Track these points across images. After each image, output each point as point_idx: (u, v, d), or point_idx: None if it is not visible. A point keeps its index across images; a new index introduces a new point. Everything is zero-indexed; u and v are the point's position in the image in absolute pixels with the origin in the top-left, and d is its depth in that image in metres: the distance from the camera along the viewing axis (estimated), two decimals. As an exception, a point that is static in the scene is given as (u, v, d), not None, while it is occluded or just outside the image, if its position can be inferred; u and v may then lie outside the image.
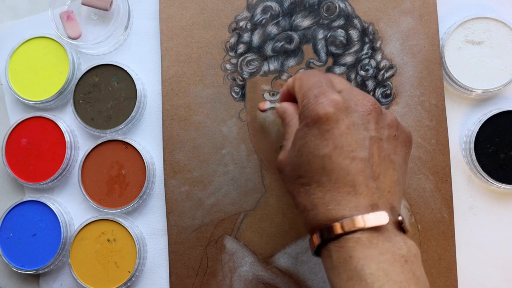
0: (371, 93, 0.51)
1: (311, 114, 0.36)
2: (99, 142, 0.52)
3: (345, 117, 0.35)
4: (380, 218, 0.33)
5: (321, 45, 0.52)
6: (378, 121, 0.36)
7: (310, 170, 0.35)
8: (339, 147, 0.34)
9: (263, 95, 0.52)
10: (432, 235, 0.50)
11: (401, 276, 0.32)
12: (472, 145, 0.50)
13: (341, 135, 0.35)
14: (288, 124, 0.41)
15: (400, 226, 0.35)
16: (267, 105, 0.48)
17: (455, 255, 0.49)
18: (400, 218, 0.35)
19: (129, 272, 0.51)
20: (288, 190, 0.38)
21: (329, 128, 0.35)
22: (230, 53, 0.53)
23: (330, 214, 0.34)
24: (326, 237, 0.34)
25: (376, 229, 0.33)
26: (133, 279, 0.51)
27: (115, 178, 0.52)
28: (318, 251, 0.36)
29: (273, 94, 0.52)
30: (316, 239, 0.35)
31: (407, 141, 0.39)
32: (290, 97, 0.43)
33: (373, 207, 0.34)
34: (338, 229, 0.33)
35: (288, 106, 0.42)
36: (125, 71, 0.53)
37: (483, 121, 0.50)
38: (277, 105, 0.45)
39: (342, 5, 0.52)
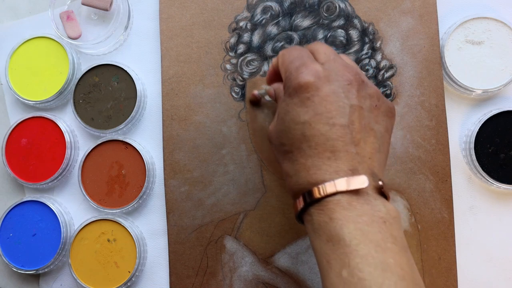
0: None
1: (292, 84, 0.37)
2: (99, 142, 0.52)
3: (325, 85, 0.36)
4: (359, 181, 0.34)
5: (321, 45, 0.52)
6: (360, 91, 0.37)
7: (291, 137, 0.37)
8: (319, 114, 0.36)
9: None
10: (432, 235, 0.50)
11: (378, 236, 0.33)
12: (472, 145, 0.50)
13: (321, 102, 0.36)
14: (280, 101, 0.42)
15: (381, 192, 0.36)
16: (256, 92, 0.50)
17: (455, 255, 0.49)
18: (380, 183, 0.36)
19: (129, 272, 0.51)
20: (276, 158, 0.40)
21: (309, 96, 0.36)
22: (230, 53, 0.53)
23: (311, 178, 0.35)
24: (307, 201, 0.35)
25: (355, 192, 0.34)
26: (133, 279, 0.51)
27: (115, 178, 0.52)
28: (301, 218, 0.37)
29: (273, 94, 0.52)
30: (299, 204, 0.36)
31: (388, 111, 0.39)
32: (277, 76, 0.44)
33: (353, 172, 0.35)
34: (318, 192, 0.35)
35: (278, 85, 0.44)
36: (125, 71, 0.53)
37: (483, 121, 0.50)
38: (266, 87, 0.46)
39: (342, 5, 0.52)
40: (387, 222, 0.34)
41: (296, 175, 0.37)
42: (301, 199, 0.36)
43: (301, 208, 0.36)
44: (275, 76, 0.44)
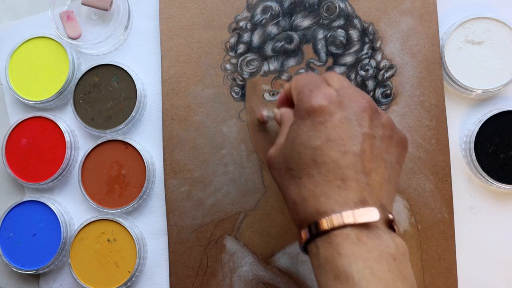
0: (371, 93, 0.51)
1: (305, 107, 0.36)
2: (99, 142, 0.52)
3: (338, 111, 0.36)
4: (370, 214, 0.33)
5: (321, 45, 0.52)
6: (373, 119, 0.36)
7: (300, 162, 0.36)
8: (331, 140, 0.35)
9: (263, 95, 0.52)
10: (432, 235, 0.50)
11: (388, 274, 0.32)
12: (472, 145, 0.50)
13: (333, 128, 0.35)
14: (285, 125, 0.41)
15: (390, 225, 0.35)
16: (265, 115, 0.49)
17: (455, 255, 0.49)
18: (390, 216, 0.35)
19: (129, 272, 0.51)
20: (278, 184, 0.38)
21: (322, 121, 0.35)
22: (230, 53, 0.53)
23: (320, 207, 0.34)
24: (314, 232, 0.34)
25: (365, 225, 0.33)
26: (133, 279, 0.51)
27: (115, 178, 0.52)
28: (306, 248, 0.36)
29: (273, 94, 0.52)
30: (305, 234, 0.35)
31: (401, 142, 0.39)
32: (288, 102, 0.43)
33: (363, 203, 0.33)
34: (327, 223, 0.33)
35: (286, 110, 0.42)
36: (125, 71, 0.53)
37: (483, 121, 0.50)
38: (275, 110, 0.45)
39: (342, 5, 0.52)
40: (396, 259, 0.33)
41: (303, 203, 0.35)
42: (307, 229, 0.35)
43: (307, 239, 0.35)
44: (286, 101, 0.43)
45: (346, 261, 0.32)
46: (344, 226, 0.33)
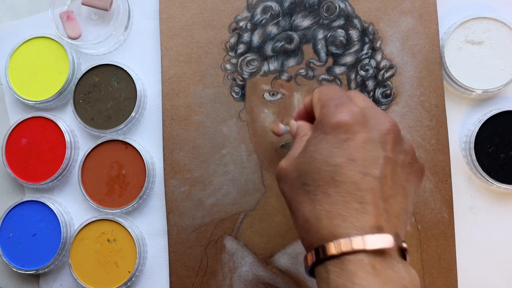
0: (371, 93, 0.51)
1: (330, 122, 0.35)
2: (99, 142, 0.52)
3: (363, 131, 0.34)
4: (385, 241, 0.32)
5: (321, 45, 0.52)
6: (396, 144, 0.35)
7: (318, 178, 0.34)
8: (353, 160, 0.33)
9: (263, 95, 0.52)
10: (432, 235, 0.50)
11: None
12: (472, 145, 0.50)
13: (356, 148, 0.34)
14: (300, 138, 0.39)
15: (402, 254, 0.33)
16: (282, 128, 0.46)
17: (455, 255, 0.49)
18: (404, 245, 0.34)
19: (129, 272, 0.51)
20: (289, 199, 0.37)
21: (346, 138, 0.34)
22: (230, 53, 0.53)
23: (335, 229, 0.32)
24: (325, 256, 0.32)
25: (379, 253, 0.32)
26: (133, 279, 0.51)
27: (115, 178, 0.52)
28: (312, 270, 0.34)
29: (273, 94, 0.52)
30: (313, 256, 0.33)
31: (420, 172, 0.37)
32: (307, 116, 0.42)
33: (378, 229, 0.32)
34: (341, 247, 0.32)
35: (303, 123, 0.41)
36: (125, 71, 0.53)
37: (483, 121, 0.50)
38: (292, 122, 0.43)
39: (342, 5, 0.52)
40: None
41: (317, 223, 0.33)
42: (320, 250, 0.33)
43: (316, 260, 0.33)
44: (304, 115, 0.42)
45: None
46: (358, 251, 0.31)
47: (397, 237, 0.33)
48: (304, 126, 0.40)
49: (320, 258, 0.32)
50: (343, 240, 0.31)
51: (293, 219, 0.36)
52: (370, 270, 0.31)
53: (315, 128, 0.36)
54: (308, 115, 0.41)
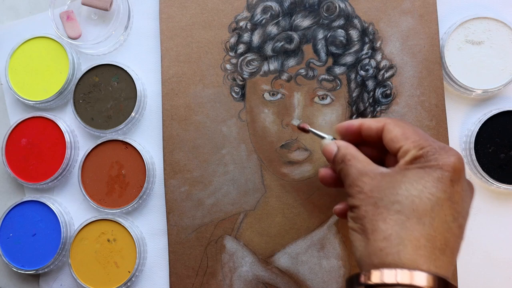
0: (371, 93, 0.51)
1: (440, 161, 0.35)
2: (99, 142, 0.52)
3: (463, 180, 0.36)
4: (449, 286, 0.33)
5: (321, 45, 0.52)
6: (472, 199, 0.37)
7: (417, 203, 0.34)
8: (452, 201, 0.35)
9: (263, 95, 0.52)
10: (432, 235, 0.50)
11: None
12: (472, 145, 0.50)
13: (458, 192, 0.35)
14: (354, 158, 0.39)
15: None
16: (311, 128, 0.46)
17: (455, 255, 0.49)
18: None
19: (129, 272, 0.51)
20: (366, 212, 0.36)
21: (452, 180, 0.35)
22: (230, 53, 0.53)
23: (418, 261, 0.33)
24: (399, 281, 0.32)
25: None
26: (133, 279, 0.51)
27: (115, 178, 0.52)
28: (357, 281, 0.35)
29: (273, 94, 0.52)
30: (382, 277, 0.33)
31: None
32: (352, 136, 0.42)
33: (447, 277, 0.34)
34: (410, 278, 0.32)
35: (348, 144, 0.41)
36: (125, 71, 0.53)
37: (483, 121, 0.50)
38: (328, 138, 0.43)
39: (342, 5, 0.52)
40: None
41: (400, 245, 0.33)
42: (393, 273, 0.33)
43: (380, 283, 0.33)
44: (351, 135, 0.42)
45: None
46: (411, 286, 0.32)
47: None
48: (349, 147, 0.40)
49: (396, 282, 0.33)
50: (419, 273, 0.32)
51: (363, 233, 0.36)
52: None
53: (415, 163, 0.36)
54: (355, 135, 0.41)
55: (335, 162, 0.41)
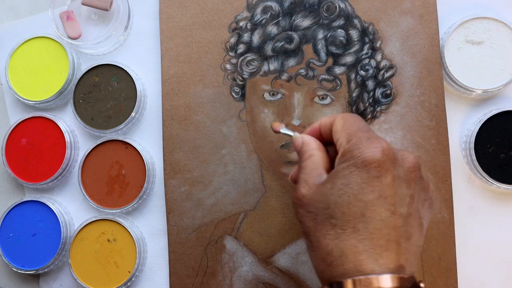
0: (371, 93, 0.51)
1: (363, 156, 0.35)
2: (99, 142, 0.52)
3: (393, 169, 0.35)
4: (406, 281, 0.33)
5: (321, 45, 0.52)
6: (417, 182, 0.36)
7: (348, 213, 0.34)
8: (383, 197, 0.34)
9: (263, 95, 0.52)
10: (432, 235, 0.50)
11: None
12: (472, 145, 0.50)
13: (387, 185, 0.34)
14: (308, 159, 0.39)
15: None
16: (281, 128, 0.45)
17: (455, 255, 0.49)
18: (422, 285, 0.34)
19: (129, 272, 0.51)
20: (307, 228, 0.36)
21: (378, 175, 0.34)
22: (230, 53, 0.53)
23: (360, 265, 0.33)
24: None
25: None
26: (133, 279, 0.51)
27: (115, 178, 0.52)
28: None
29: (273, 94, 0.52)
30: None
31: (431, 205, 0.38)
32: (319, 135, 0.41)
33: (400, 268, 0.33)
34: (362, 284, 0.32)
35: (310, 140, 0.40)
36: (125, 71, 0.53)
37: (483, 121, 0.50)
38: (296, 134, 0.42)
39: (342, 5, 0.52)
40: None
41: (342, 257, 0.34)
42: (343, 285, 0.33)
43: None
44: (317, 133, 0.41)
45: None
46: None
47: (413, 276, 0.34)
48: (310, 144, 0.40)
49: None
50: (363, 277, 0.32)
51: (311, 248, 0.36)
52: None
53: (343, 159, 0.36)
54: (320, 135, 0.41)
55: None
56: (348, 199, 0.34)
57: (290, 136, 0.43)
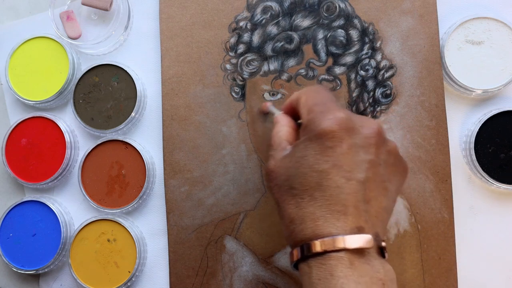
0: (371, 93, 0.52)
1: (315, 129, 0.36)
2: (99, 142, 0.52)
3: (348, 137, 0.36)
4: (364, 241, 0.34)
5: (321, 45, 0.52)
6: (379, 146, 0.37)
7: (305, 183, 0.36)
8: (338, 166, 0.35)
9: (263, 95, 0.52)
10: (432, 235, 0.50)
11: None
12: (472, 145, 0.50)
13: (342, 154, 0.35)
14: (275, 135, 0.41)
15: (381, 252, 0.36)
16: (270, 107, 0.48)
17: (455, 255, 0.49)
18: (383, 244, 0.36)
19: (129, 272, 0.51)
20: (276, 199, 0.38)
21: (331, 146, 0.35)
22: (230, 53, 0.53)
23: (318, 230, 0.35)
24: (307, 253, 0.35)
25: (359, 251, 0.34)
26: (133, 279, 0.51)
27: (115, 178, 0.52)
28: (297, 265, 0.37)
29: (273, 94, 0.52)
30: (297, 253, 0.36)
31: (403, 171, 0.39)
32: (291, 112, 0.43)
33: (359, 229, 0.35)
34: (323, 246, 0.34)
35: (281, 117, 0.43)
36: (125, 71, 0.53)
37: (483, 121, 0.50)
38: (277, 112, 0.44)
39: (342, 5, 0.52)
40: (385, 284, 0.34)
41: (302, 224, 0.36)
42: (304, 248, 0.35)
43: (299, 257, 0.35)
44: (290, 111, 0.43)
45: (338, 282, 0.33)
46: (339, 250, 0.34)
47: (376, 237, 0.35)
48: (280, 121, 0.42)
49: (304, 255, 0.35)
50: (327, 239, 0.34)
51: (280, 217, 0.38)
52: (348, 265, 0.34)
53: (303, 133, 0.38)
54: (293, 111, 0.42)
55: None
56: (305, 170, 0.36)
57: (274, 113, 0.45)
